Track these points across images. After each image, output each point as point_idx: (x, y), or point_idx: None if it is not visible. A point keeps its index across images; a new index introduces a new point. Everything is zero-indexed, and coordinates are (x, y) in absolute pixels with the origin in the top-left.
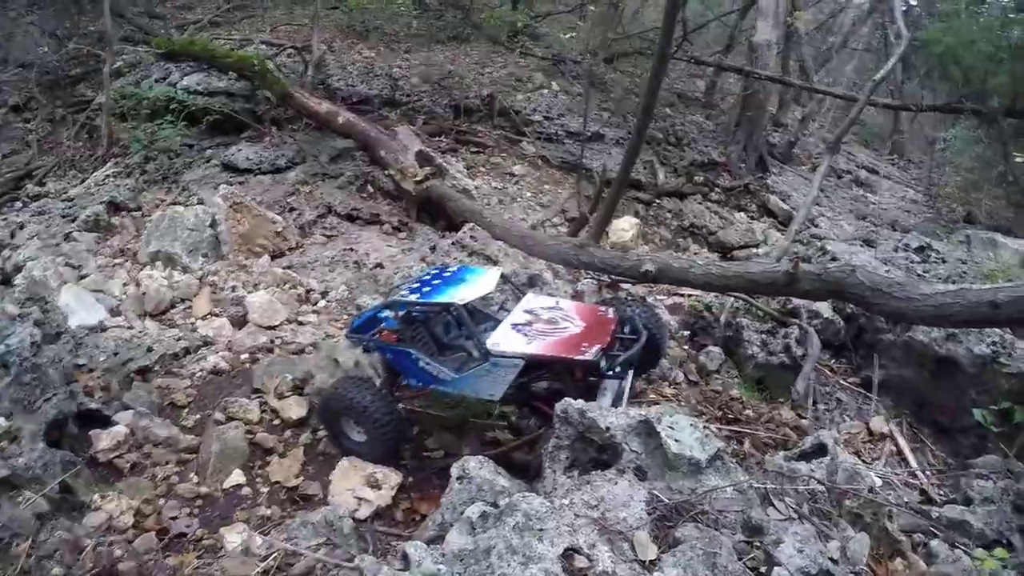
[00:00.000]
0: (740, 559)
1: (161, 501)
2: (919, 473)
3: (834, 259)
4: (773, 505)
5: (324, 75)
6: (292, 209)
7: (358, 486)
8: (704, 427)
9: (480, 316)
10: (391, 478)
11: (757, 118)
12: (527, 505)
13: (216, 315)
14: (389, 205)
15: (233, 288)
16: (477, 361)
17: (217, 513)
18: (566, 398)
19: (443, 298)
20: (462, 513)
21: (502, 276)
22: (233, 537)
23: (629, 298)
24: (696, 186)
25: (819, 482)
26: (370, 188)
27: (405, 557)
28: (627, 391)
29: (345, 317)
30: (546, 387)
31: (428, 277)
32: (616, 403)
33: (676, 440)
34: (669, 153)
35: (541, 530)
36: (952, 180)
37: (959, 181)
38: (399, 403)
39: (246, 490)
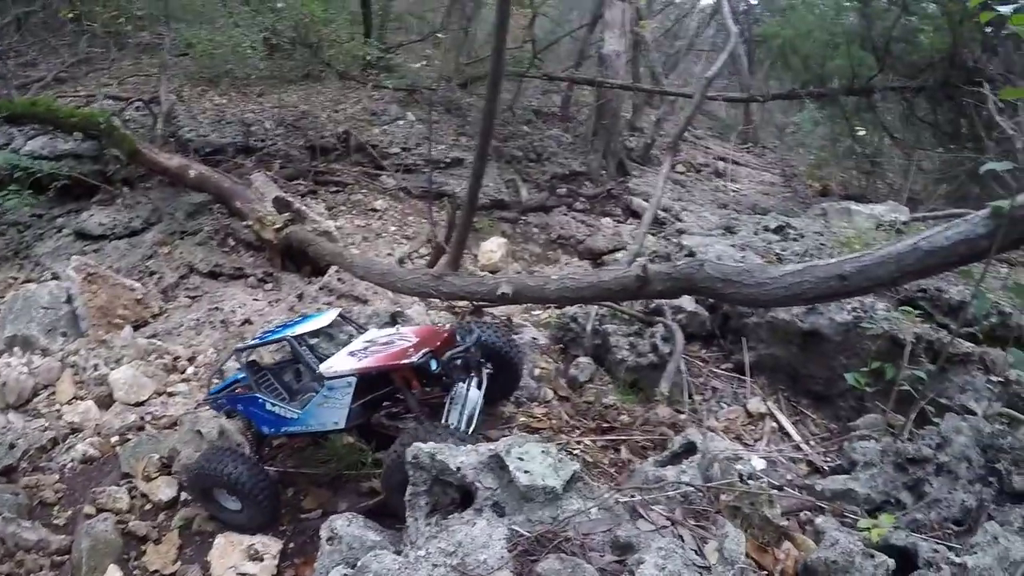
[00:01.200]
0: None
1: None
2: (803, 445)
3: (691, 253)
4: (644, 517)
5: (174, 127)
6: (152, 273)
7: (239, 562)
8: (558, 451)
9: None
10: (271, 547)
11: (613, 125)
12: (379, 564)
13: (81, 398)
14: (252, 257)
15: (95, 367)
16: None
17: None
18: (416, 443)
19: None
20: None
21: (340, 315)
22: None
23: (494, 321)
24: (560, 198)
25: (688, 484)
26: (231, 241)
27: None
28: (477, 408)
29: (215, 381)
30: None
31: (271, 328)
32: (469, 422)
33: (526, 471)
34: (531, 169)
35: None
36: (805, 160)
37: (812, 160)
38: (270, 466)
39: None
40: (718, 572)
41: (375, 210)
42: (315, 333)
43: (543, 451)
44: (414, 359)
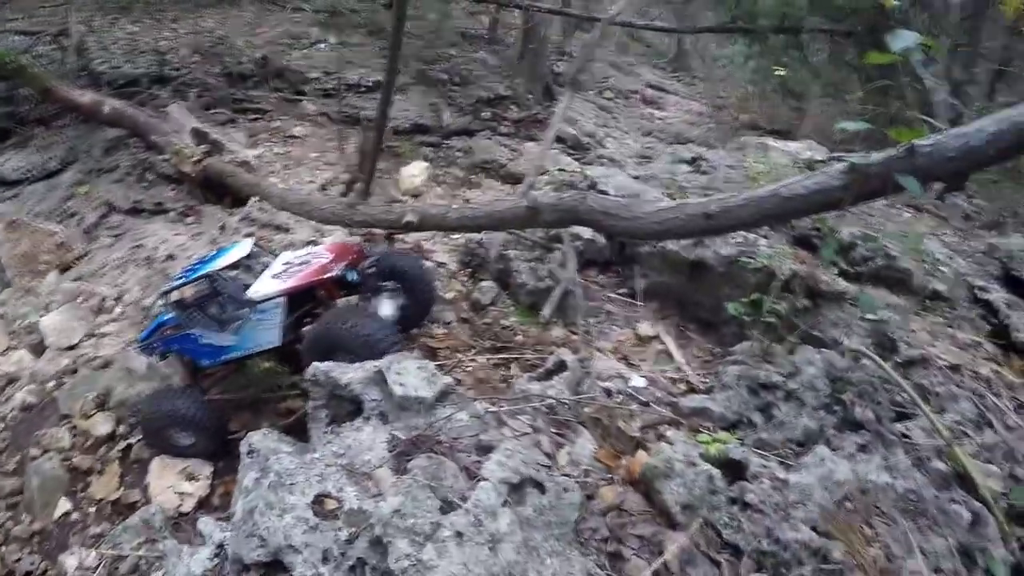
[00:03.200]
0: (472, 479)
1: (2, 548)
2: (684, 367)
3: (592, 185)
4: (507, 425)
5: (86, 60)
6: (72, 214)
7: (175, 482)
8: (432, 368)
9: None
10: (204, 468)
11: (540, 49)
12: (279, 465)
13: (14, 348)
14: (172, 191)
15: (25, 315)
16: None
17: (55, 544)
18: (313, 363)
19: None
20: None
21: (255, 245)
22: (72, 561)
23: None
24: (484, 122)
25: (553, 397)
26: (150, 176)
27: (200, 533)
28: (390, 314)
29: (143, 320)
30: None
31: (190, 265)
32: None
33: (401, 384)
34: (455, 93)
35: (292, 484)
36: (734, 92)
37: (740, 93)
38: (206, 395)
39: (75, 515)
40: (561, 471)
41: (295, 137)
42: (233, 266)
43: (418, 367)
44: (335, 272)
